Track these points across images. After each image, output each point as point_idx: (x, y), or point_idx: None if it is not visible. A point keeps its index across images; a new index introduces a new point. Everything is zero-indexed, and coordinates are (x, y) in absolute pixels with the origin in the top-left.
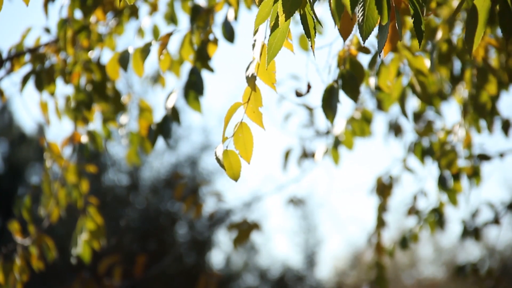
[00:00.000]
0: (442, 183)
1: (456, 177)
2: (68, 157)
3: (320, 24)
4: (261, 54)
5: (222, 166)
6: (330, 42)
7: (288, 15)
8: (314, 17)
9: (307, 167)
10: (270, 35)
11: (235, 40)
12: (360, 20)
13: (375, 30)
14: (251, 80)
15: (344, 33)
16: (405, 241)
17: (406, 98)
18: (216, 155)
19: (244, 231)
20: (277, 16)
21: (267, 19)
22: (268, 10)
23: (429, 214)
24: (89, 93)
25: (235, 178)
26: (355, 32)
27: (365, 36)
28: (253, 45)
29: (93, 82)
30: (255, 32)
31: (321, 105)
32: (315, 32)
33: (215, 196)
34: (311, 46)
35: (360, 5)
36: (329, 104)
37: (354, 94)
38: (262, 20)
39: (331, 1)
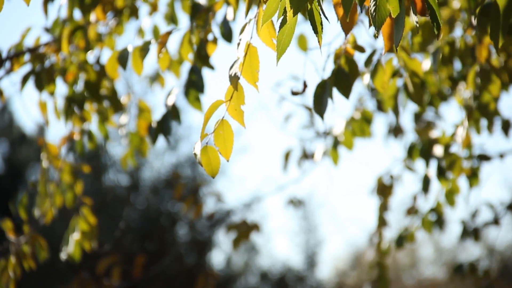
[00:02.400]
0: (425, 185)
1: (444, 175)
2: (64, 156)
3: (327, 20)
4: (245, 54)
5: (199, 162)
6: (329, 42)
7: (296, 10)
8: (321, 13)
9: (307, 168)
10: (278, 32)
11: (233, 40)
12: (372, 11)
13: (372, 31)
14: (234, 79)
15: (346, 27)
16: (401, 240)
17: (398, 97)
18: (194, 151)
19: (244, 232)
20: (285, 12)
21: (274, 15)
22: (275, 6)
23: (426, 214)
24: (83, 93)
25: (213, 174)
26: (352, 30)
27: (378, 27)
28: (238, 44)
29: (87, 82)
30: (241, 32)
31: (312, 100)
32: (322, 28)
33: (215, 196)
34: (318, 42)
35: None
36: (320, 99)
37: (346, 91)
38: (269, 16)
39: None
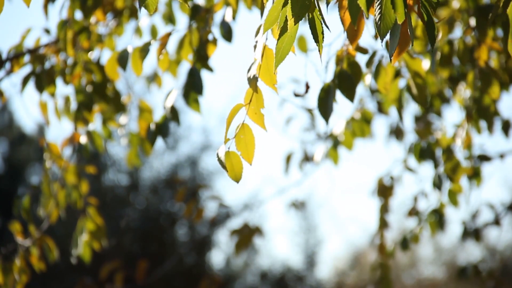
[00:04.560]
0: (437, 184)
1: (453, 178)
2: (68, 157)
3: (328, 28)
4: (262, 56)
5: (224, 167)
6: (329, 43)
7: (298, 19)
8: (322, 21)
9: (308, 171)
10: (278, 39)
11: (233, 39)
12: (377, 19)
13: (372, 32)
14: (252, 81)
15: (353, 36)
16: (406, 242)
17: (403, 100)
18: (218, 156)
19: (246, 236)
20: (286, 20)
21: (275, 23)
22: (276, 15)
23: (430, 215)
24: (90, 94)
25: (237, 180)
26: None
27: (383, 35)
28: (255, 46)
29: (93, 83)
30: (257, 33)
31: (317, 104)
32: (323, 37)
33: (216, 200)
34: (319, 50)
35: (377, 4)
36: (325, 103)
37: (350, 94)
38: (271, 24)
39: (345, 2)
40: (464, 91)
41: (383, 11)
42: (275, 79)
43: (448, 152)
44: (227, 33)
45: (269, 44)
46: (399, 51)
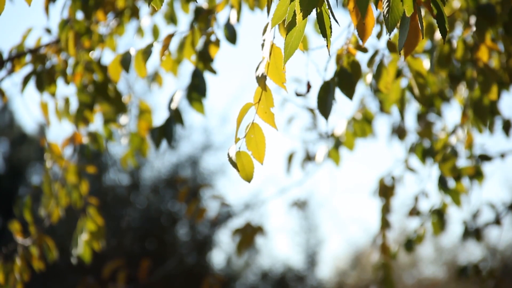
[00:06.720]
0: (442, 184)
1: (458, 177)
2: (69, 157)
3: (337, 22)
4: (270, 54)
5: (235, 167)
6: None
7: (306, 13)
8: (331, 15)
9: (310, 170)
10: (286, 34)
11: (237, 41)
12: (385, 12)
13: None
14: (261, 80)
15: (363, 34)
16: (410, 243)
17: (405, 100)
18: (229, 156)
19: (248, 235)
20: (294, 15)
21: (283, 18)
22: (284, 9)
23: (432, 215)
24: (92, 94)
25: (248, 179)
26: (354, 31)
27: (390, 28)
28: (262, 45)
29: (95, 82)
30: (264, 32)
31: (316, 102)
32: (331, 31)
33: (218, 199)
34: (327, 45)
35: None
36: (325, 101)
37: (349, 92)
38: (279, 19)
39: None
40: (465, 90)
41: (391, 3)
42: (284, 77)
43: (444, 150)
44: (231, 35)
45: (276, 42)
46: (410, 46)
